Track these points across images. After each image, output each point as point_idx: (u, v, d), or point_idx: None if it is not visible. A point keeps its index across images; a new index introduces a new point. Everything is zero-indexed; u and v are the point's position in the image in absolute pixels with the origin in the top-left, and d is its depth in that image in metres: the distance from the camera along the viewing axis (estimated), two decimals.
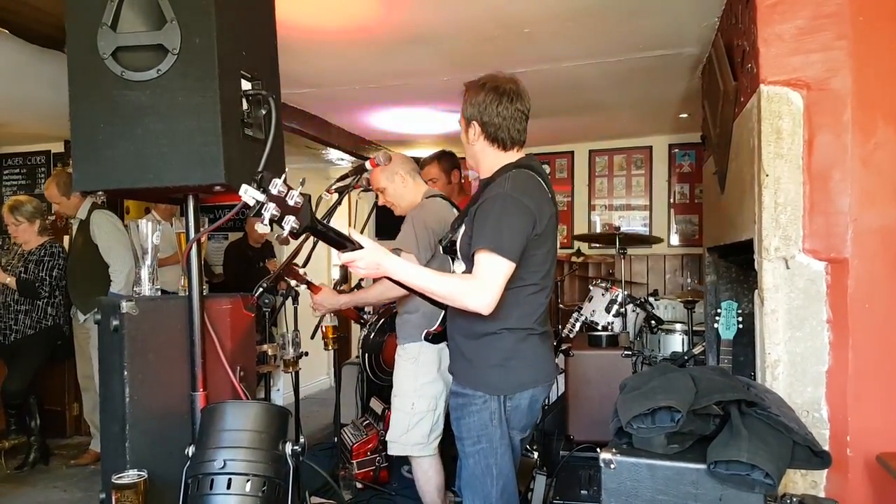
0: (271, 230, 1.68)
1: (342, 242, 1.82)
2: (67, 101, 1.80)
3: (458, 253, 2.16)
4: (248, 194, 1.57)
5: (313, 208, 1.73)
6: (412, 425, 2.90)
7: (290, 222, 1.63)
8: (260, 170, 1.71)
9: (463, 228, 2.14)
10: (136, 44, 1.75)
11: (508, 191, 1.98)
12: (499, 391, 2.05)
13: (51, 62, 3.22)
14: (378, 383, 4.04)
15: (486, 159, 2.16)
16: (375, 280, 2.71)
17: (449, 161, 3.94)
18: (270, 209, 1.59)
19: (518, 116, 2.12)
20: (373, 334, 3.53)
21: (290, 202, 1.63)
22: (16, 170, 5.93)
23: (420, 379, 2.91)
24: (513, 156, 2.16)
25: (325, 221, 1.79)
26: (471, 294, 1.89)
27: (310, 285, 2.98)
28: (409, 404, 2.91)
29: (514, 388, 2.07)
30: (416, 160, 3.66)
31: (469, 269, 2.02)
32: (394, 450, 2.98)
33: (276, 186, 1.59)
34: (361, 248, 1.83)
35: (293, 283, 3.00)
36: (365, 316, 3.73)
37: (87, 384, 4.37)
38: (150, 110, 1.74)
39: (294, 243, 2.78)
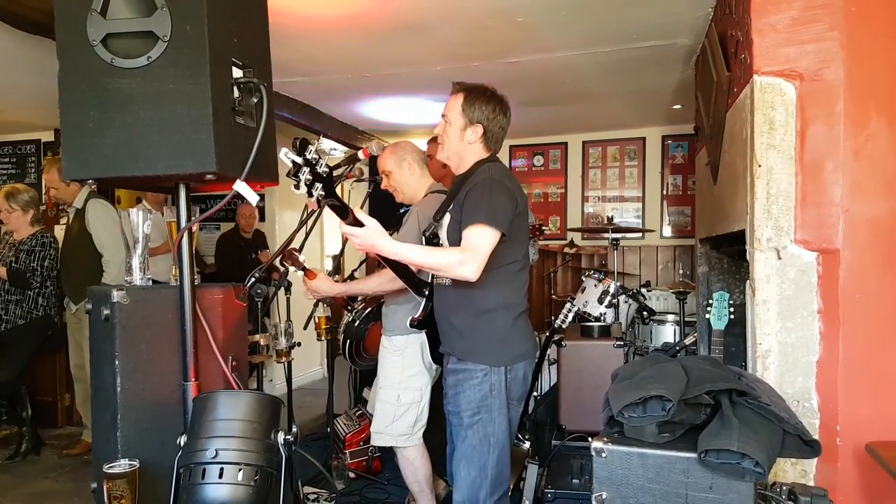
0: (309, 194, 1.85)
1: (351, 217, 1.97)
2: (56, 89, 1.78)
3: (445, 242, 2.29)
4: (288, 157, 1.74)
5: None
6: (398, 416, 2.92)
7: (317, 189, 1.81)
8: (251, 160, 1.75)
9: (448, 217, 2.28)
10: (126, 31, 1.73)
11: (495, 175, 2.20)
12: (503, 362, 2.22)
13: (40, 49, 3.18)
14: (354, 368, 4.13)
15: (471, 157, 2.34)
16: (368, 273, 2.71)
17: None
18: (306, 172, 1.76)
19: (506, 129, 2.37)
20: (357, 321, 3.55)
21: (319, 170, 1.80)
22: (5, 159, 5.89)
23: (406, 371, 2.92)
24: (487, 155, 2.36)
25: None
26: (462, 263, 2.04)
27: (306, 271, 2.98)
28: (395, 396, 2.93)
29: (515, 359, 2.25)
30: None
31: None
32: (378, 440, 3.00)
33: (311, 152, 1.76)
34: (363, 225, 2.00)
35: (291, 268, 2.99)
36: (353, 303, 3.73)
37: (80, 374, 4.35)
38: (140, 98, 1.72)
39: (289, 231, 2.80)
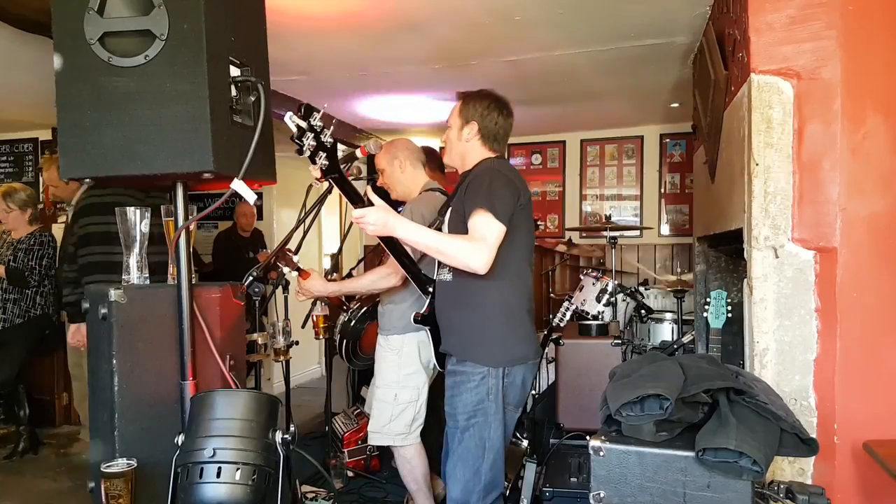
0: (312, 161, 1.85)
1: (356, 197, 1.97)
2: (54, 88, 1.77)
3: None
4: (292, 120, 1.72)
5: (303, 198, 1.84)
6: (395, 416, 2.93)
7: (321, 158, 1.80)
8: (248, 159, 1.74)
9: (450, 212, 2.30)
10: (124, 29, 1.72)
11: (496, 167, 2.22)
12: (500, 364, 2.18)
13: (37, 48, 3.18)
14: (350, 367, 4.15)
15: (472, 155, 2.34)
16: (367, 266, 2.72)
17: (434, 159, 3.78)
18: (310, 139, 1.75)
19: (507, 130, 2.36)
20: (354, 321, 3.56)
21: (324, 139, 1.79)
22: (2, 157, 5.87)
23: (403, 370, 2.93)
24: (491, 154, 2.36)
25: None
26: (472, 253, 2.00)
27: (300, 271, 2.98)
28: (392, 395, 2.93)
29: (513, 362, 2.21)
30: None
31: None
32: (376, 440, 3.01)
33: (316, 119, 1.76)
34: (372, 205, 1.98)
35: (285, 268, 2.99)
36: (350, 303, 3.75)
37: (78, 373, 4.33)
38: (137, 97, 1.72)
39: (287, 230, 2.81)
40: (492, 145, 2.31)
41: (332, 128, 1.81)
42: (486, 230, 2.02)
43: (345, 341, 3.62)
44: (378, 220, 1.97)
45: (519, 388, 2.25)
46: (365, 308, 3.54)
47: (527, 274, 2.26)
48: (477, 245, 2.00)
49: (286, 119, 1.71)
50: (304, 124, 1.71)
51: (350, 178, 3.10)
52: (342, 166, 2.89)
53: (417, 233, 2.04)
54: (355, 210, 1.97)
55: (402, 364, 2.92)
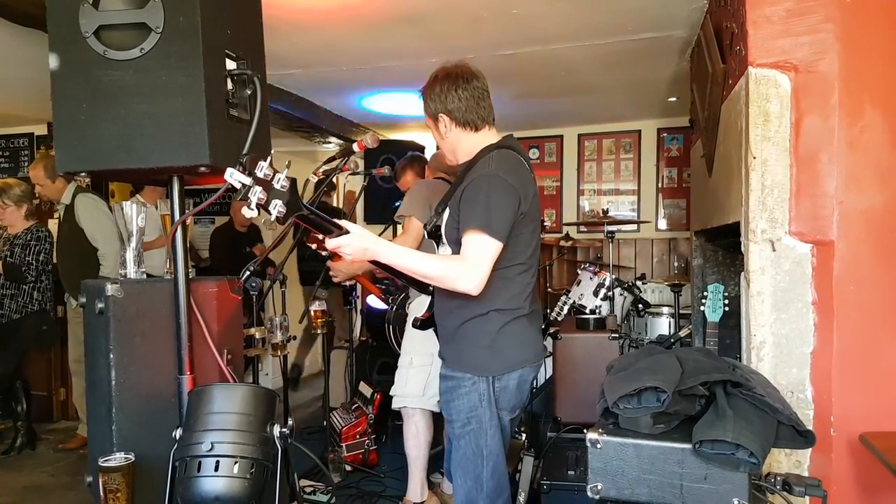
0: (258, 215, 1.64)
1: (329, 227, 1.80)
2: (49, 82, 1.77)
3: (444, 238, 2.17)
4: (234, 177, 1.54)
5: (300, 191, 1.72)
6: (409, 378, 3.15)
7: (276, 206, 1.61)
8: (245, 152, 1.70)
9: (448, 212, 2.14)
10: (119, 22, 1.72)
11: (493, 170, 2.00)
12: (487, 372, 2.08)
13: (32, 42, 3.16)
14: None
15: (464, 145, 2.18)
16: None
17: (420, 163, 3.88)
18: (257, 192, 1.56)
19: (479, 94, 2.14)
20: (395, 307, 3.73)
21: (276, 185, 1.60)
22: None
23: (418, 337, 3.05)
24: (488, 135, 2.18)
25: (311, 205, 1.76)
26: (461, 275, 1.90)
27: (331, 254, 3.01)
28: (409, 360, 3.17)
29: (502, 369, 2.09)
30: (410, 148, 3.76)
31: (456, 253, 2.04)
32: (394, 403, 3.21)
33: (262, 169, 1.57)
34: (348, 233, 1.81)
35: (313, 246, 2.98)
36: (389, 296, 3.95)
37: (78, 368, 4.34)
38: (133, 90, 1.71)
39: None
40: (474, 122, 2.14)
41: (286, 169, 1.62)
42: (480, 251, 1.91)
43: (390, 328, 3.87)
44: (356, 248, 1.84)
45: (513, 393, 2.14)
46: (403, 294, 3.64)
47: (524, 279, 2.12)
48: (466, 267, 1.90)
49: (226, 176, 1.54)
50: (248, 180, 1.55)
51: (347, 173, 3.10)
52: (339, 161, 2.90)
53: (401, 256, 1.92)
54: (329, 241, 1.82)
55: (416, 331, 3.05)
